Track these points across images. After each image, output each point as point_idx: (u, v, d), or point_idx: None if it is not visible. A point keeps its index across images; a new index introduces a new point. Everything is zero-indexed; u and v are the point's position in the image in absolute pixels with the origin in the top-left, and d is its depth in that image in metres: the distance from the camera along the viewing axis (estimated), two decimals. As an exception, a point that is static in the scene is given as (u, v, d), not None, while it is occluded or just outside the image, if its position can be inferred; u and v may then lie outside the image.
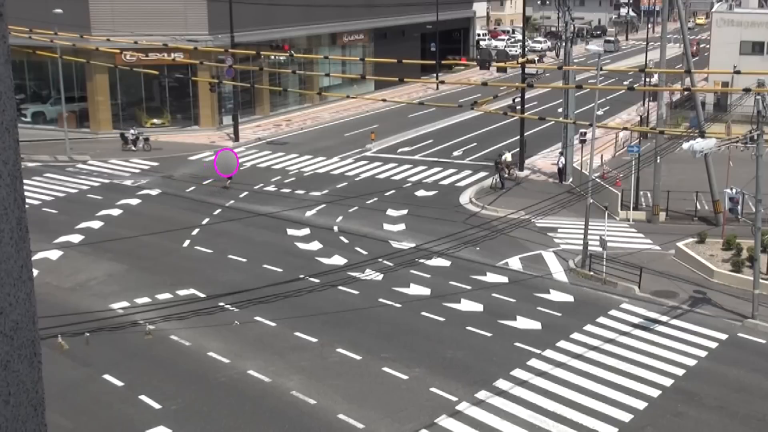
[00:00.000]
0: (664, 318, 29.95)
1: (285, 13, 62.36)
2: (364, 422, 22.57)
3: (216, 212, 41.79)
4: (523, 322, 29.18)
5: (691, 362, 26.52)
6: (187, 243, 37.31)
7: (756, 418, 23.31)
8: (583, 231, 34.77)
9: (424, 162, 52.53)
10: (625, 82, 76.39)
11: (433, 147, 56.51)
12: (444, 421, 22.70)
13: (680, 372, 25.84)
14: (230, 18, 54.80)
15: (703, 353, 27.19)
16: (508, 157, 49.97)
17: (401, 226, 39.69)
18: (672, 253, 35.94)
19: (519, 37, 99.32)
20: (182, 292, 31.45)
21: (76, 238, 37.81)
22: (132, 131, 55.26)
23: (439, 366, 25.84)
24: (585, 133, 44.46)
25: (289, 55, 52.01)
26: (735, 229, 36.11)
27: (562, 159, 47.86)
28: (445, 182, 48.06)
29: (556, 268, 34.64)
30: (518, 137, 50.72)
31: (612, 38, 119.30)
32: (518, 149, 50.62)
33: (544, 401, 23.85)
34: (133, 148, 54.42)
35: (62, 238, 37.59)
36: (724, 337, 28.46)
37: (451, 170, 50.58)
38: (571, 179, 47.00)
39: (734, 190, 32.45)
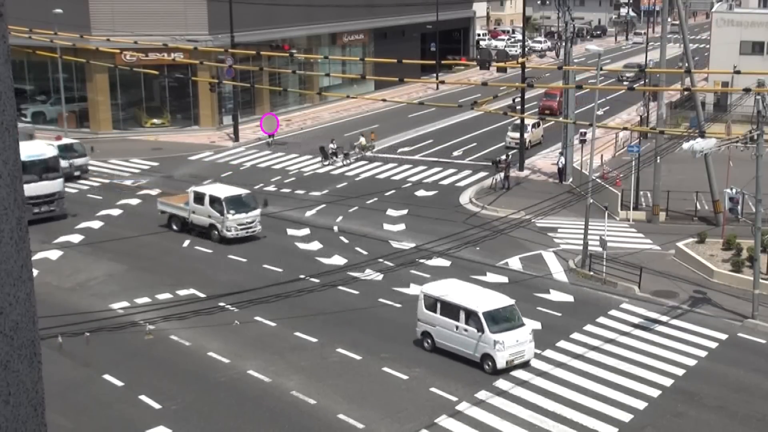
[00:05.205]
0: (664, 318, 29.94)
1: (285, 13, 62.34)
2: (364, 422, 22.57)
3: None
4: (523, 322, 29.16)
5: (691, 362, 26.52)
6: (187, 243, 37.30)
7: (756, 418, 23.31)
8: (583, 231, 34.76)
9: (424, 162, 52.49)
10: (625, 83, 76.35)
11: (433, 147, 56.47)
12: (444, 421, 22.70)
13: (680, 372, 25.84)
14: (230, 18, 54.78)
15: (703, 353, 27.19)
16: (363, 141, 50.54)
17: (401, 226, 39.68)
18: (672, 253, 35.93)
19: (519, 37, 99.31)
20: (182, 292, 31.45)
21: (76, 238, 37.81)
22: (332, 145, 51.26)
23: (439, 366, 25.84)
24: (585, 133, 44.45)
25: (290, 55, 51.97)
26: (735, 229, 36.08)
27: (562, 159, 47.85)
28: (445, 182, 48.04)
29: (556, 268, 34.62)
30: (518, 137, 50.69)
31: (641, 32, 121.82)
32: (518, 149, 50.67)
33: (544, 401, 23.85)
34: (335, 164, 50.73)
35: (62, 238, 37.58)
36: (724, 337, 28.46)
37: (451, 170, 50.56)
38: (571, 179, 46.97)
39: (734, 190, 32.43)
